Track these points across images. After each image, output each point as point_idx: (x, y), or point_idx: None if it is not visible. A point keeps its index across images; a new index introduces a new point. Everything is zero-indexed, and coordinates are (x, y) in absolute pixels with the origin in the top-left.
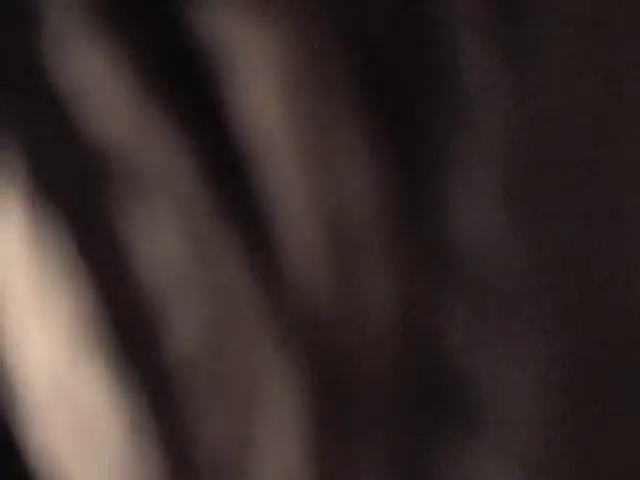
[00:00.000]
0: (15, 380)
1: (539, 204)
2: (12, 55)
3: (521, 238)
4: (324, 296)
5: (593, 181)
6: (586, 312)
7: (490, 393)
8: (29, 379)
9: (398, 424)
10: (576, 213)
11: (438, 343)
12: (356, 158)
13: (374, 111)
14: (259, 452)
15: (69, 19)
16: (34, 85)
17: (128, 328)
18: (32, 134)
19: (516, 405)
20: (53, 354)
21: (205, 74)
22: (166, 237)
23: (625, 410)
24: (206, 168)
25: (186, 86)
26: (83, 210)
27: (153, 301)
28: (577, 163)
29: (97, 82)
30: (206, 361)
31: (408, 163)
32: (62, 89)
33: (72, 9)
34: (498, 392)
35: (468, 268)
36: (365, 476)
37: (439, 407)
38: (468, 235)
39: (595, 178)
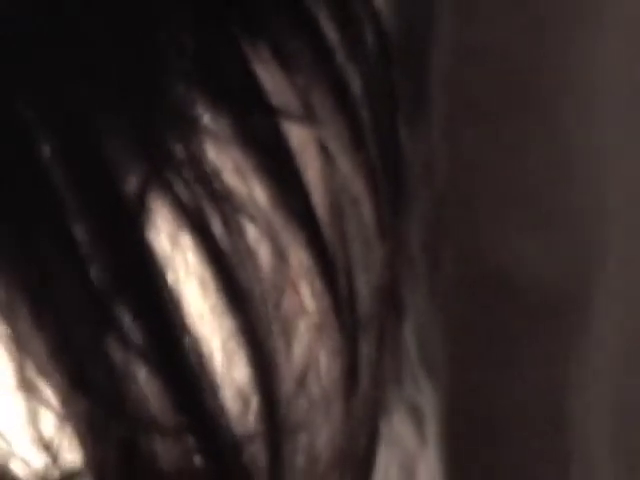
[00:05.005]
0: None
1: (443, 216)
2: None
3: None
4: (336, 246)
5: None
6: (463, 270)
7: (414, 308)
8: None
9: (378, 322)
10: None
11: (395, 287)
12: (356, 184)
13: (363, 159)
14: (303, 345)
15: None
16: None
17: (238, 285)
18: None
19: (424, 313)
20: (200, 302)
21: (290, 169)
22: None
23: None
24: (281, 203)
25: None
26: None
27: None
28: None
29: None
30: (274, 290)
31: (386, 193)
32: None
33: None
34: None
35: (412, 251)
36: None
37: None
38: (414, 235)
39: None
